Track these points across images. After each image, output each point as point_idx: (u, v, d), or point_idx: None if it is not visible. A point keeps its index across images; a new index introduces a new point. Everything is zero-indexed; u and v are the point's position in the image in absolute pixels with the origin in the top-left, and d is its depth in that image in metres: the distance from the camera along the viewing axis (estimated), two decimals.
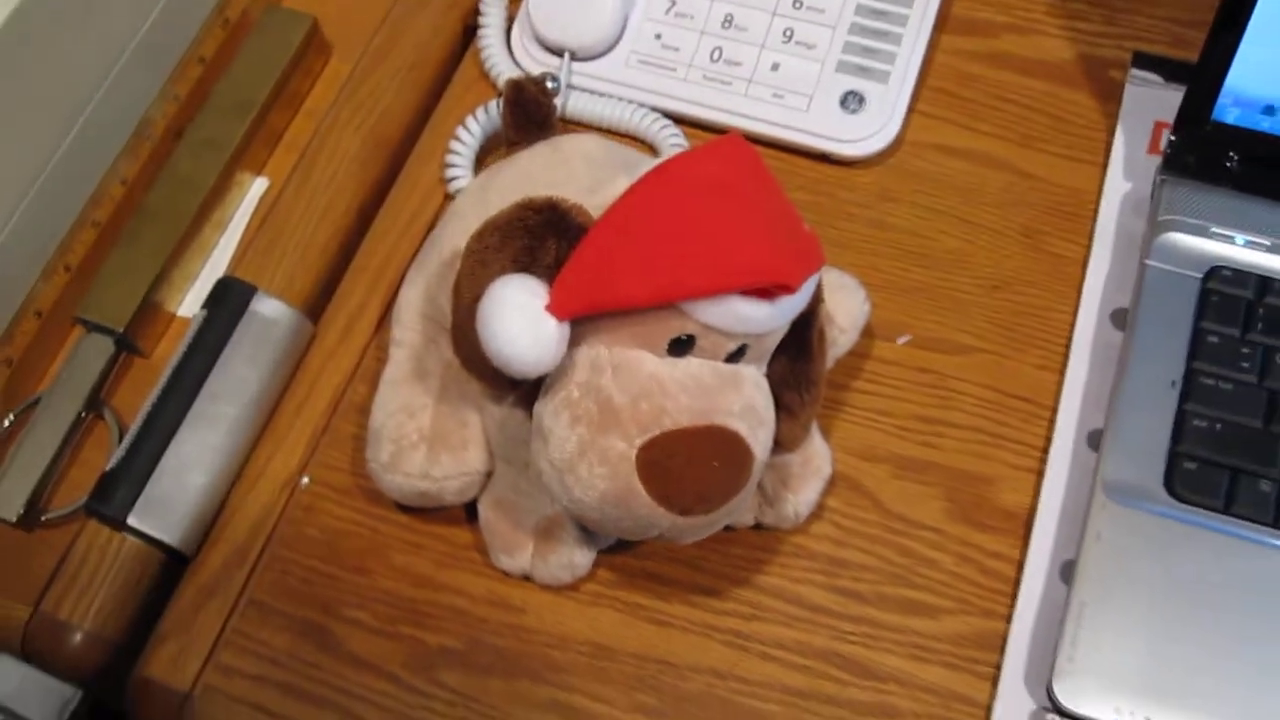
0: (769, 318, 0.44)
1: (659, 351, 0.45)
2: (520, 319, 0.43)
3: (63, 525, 0.57)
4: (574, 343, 0.45)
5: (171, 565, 0.57)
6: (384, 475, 0.52)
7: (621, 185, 0.46)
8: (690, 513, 0.44)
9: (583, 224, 0.45)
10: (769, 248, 0.43)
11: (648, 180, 0.44)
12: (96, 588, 0.55)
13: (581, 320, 0.44)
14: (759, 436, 0.45)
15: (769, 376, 0.49)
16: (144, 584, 0.56)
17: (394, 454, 0.52)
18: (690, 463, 0.44)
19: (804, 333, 0.49)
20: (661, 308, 0.44)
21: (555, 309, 0.43)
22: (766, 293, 0.43)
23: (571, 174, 0.52)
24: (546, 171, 0.53)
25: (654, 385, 0.44)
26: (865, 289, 0.56)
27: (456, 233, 0.54)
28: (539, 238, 0.45)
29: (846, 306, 0.54)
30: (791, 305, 0.45)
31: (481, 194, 0.54)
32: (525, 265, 0.45)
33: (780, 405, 0.49)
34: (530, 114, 0.58)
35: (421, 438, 0.52)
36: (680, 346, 0.45)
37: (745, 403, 0.45)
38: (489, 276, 0.45)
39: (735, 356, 0.46)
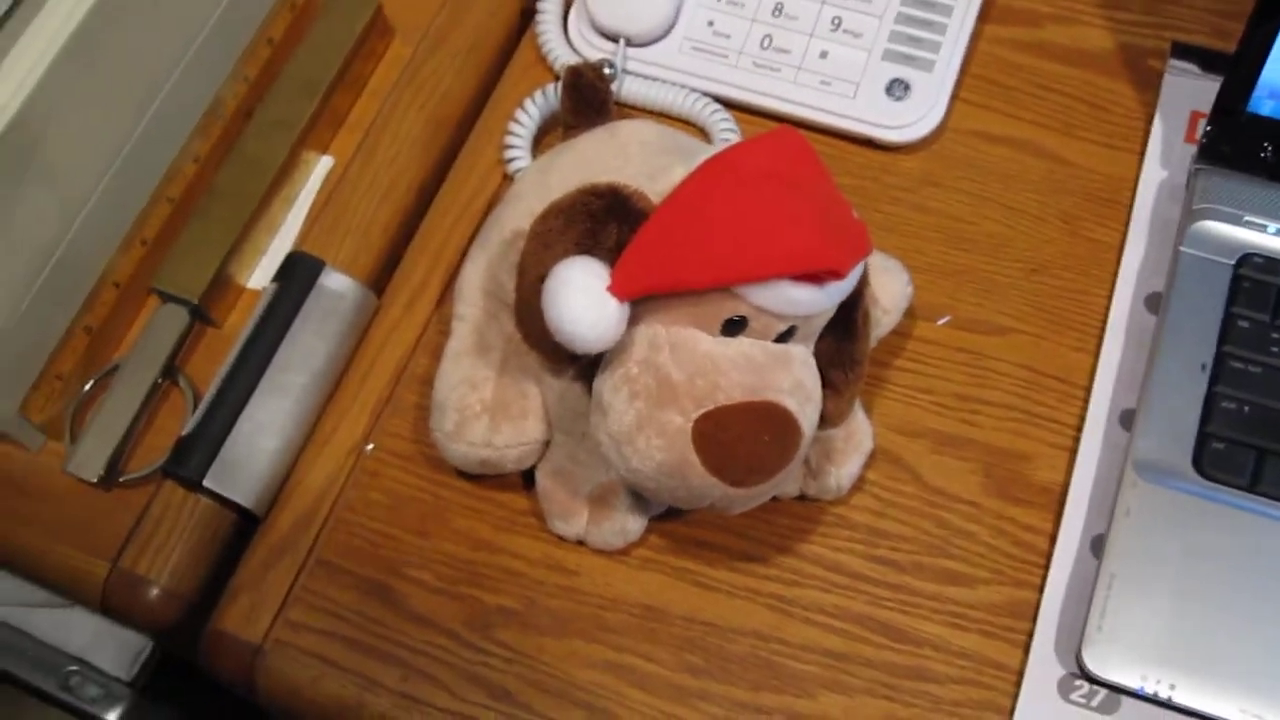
0: (817, 301, 0.47)
1: (713, 331, 0.47)
2: (584, 299, 0.45)
3: (140, 486, 0.60)
4: (633, 321, 0.47)
5: (242, 525, 0.60)
6: (448, 444, 0.55)
7: (679, 173, 0.48)
8: (741, 484, 0.47)
9: (643, 209, 0.47)
10: (819, 236, 0.45)
11: (705, 169, 0.46)
12: (172, 545, 0.59)
13: (640, 301, 0.47)
14: (807, 412, 0.48)
15: (816, 355, 0.51)
16: (216, 542, 0.59)
17: (458, 423, 0.55)
18: (742, 436, 0.46)
19: (850, 314, 0.52)
20: (716, 290, 0.46)
21: (617, 290, 0.46)
22: (816, 278, 0.46)
23: (629, 159, 0.55)
24: (605, 157, 0.55)
25: (708, 363, 0.47)
26: (908, 271, 0.58)
27: (518, 214, 0.57)
28: (601, 222, 0.47)
29: (890, 289, 0.56)
30: (839, 290, 0.47)
31: (542, 177, 0.57)
32: (588, 248, 0.47)
33: (826, 383, 0.52)
34: (588, 99, 0.60)
35: (484, 408, 0.54)
36: (733, 327, 0.47)
37: (794, 380, 0.48)
38: (553, 257, 0.48)
39: (785, 337, 0.48)
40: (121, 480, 0.60)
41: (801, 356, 0.49)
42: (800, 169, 0.47)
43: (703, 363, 0.47)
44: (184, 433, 0.59)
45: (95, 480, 0.59)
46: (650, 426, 0.47)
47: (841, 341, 0.52)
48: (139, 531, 0.59)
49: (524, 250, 0.50)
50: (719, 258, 0.45)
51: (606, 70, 0.63)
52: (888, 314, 0.57)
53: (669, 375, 0.46)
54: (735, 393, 0.46)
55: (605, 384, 0.48)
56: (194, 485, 0.58)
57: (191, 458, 0.58)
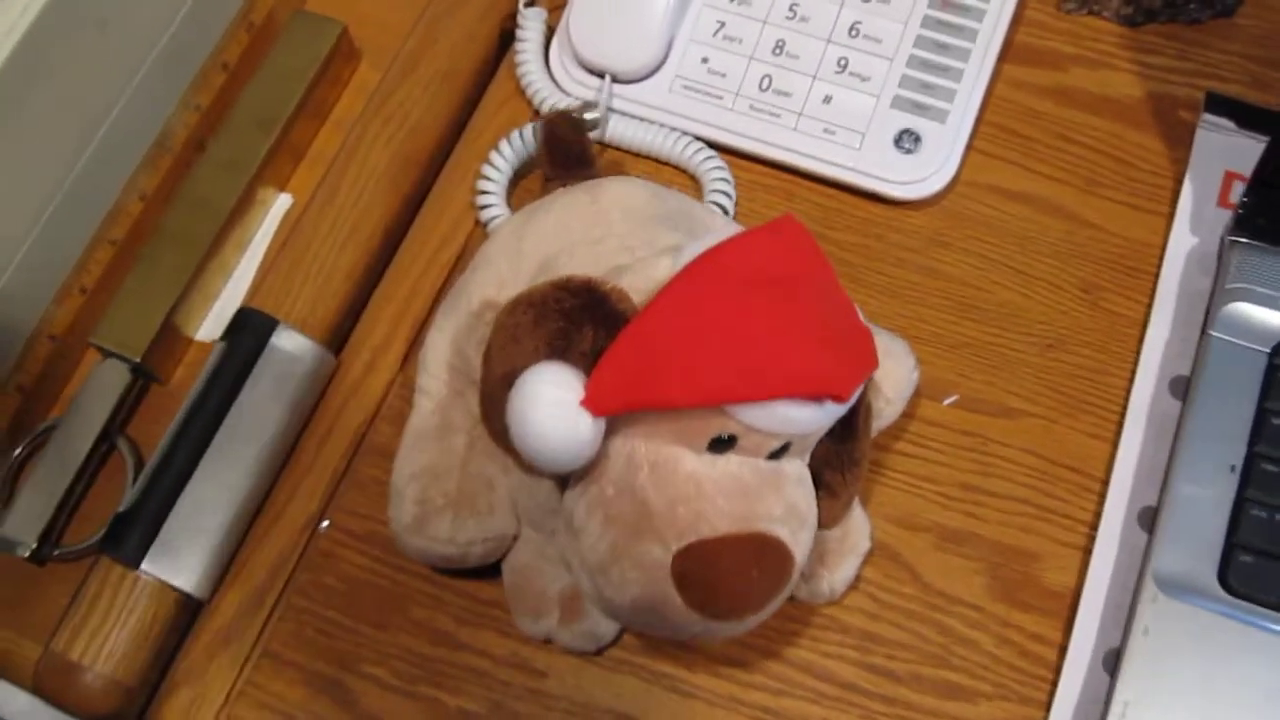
0: (815, 420, 0.42)
1: (698, 449, 0.42)
2: (553, 414, 0.40)
3: (77, 560, 0.56)
4: (609, 433, 0.42)
5: (188, 603, 0.55)
6: (406, 538, 0.50)
7: (664, 268, 0.43)
8: (726, 619, 0.43)
9: (622, 311, 0.42)
10: (821, 354, 0.40)
11: (695, 270, 0.41)
12: (109, 628, 0.54)
13: None
14: (800, 539, 0.43)
15: (811, 456, 0.46)
16: (158, 625, 0.54)
17: (418, 517, 0.50)
18: (728, 572, 0.42)
19: (849, 411, 0.47)
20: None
21: (591, 405, 0.41)
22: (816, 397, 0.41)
23: (610, 229, 0.50)
24: (584, 224, 0.50)
25: (692, 488, 0.42)
26: (914, 354, 0.53)
27: (487, 281, 0.52)
28: (575, 322, 0.42)
29: (894, 376, 0.51)
30: (840, 407, 0.42)
31: (515, 242, 0.52)
32: (560, 350, 0.42)
33: (821, 484, 0.47)
34: (565, 153, 0.55)
35: (447, 502, 0.50)
36: (721, 445, 0.42)
37: (787, 505, 0.43)
38: (520, 354, 0.43)
39: (778, 453, 0.43)
40: (56, 554, 0.56)
41: (796, 474, 0.44)
42: (801, 270, 0.42)
43: (685, 487, 0.42)
44: (121, 509, 0.54)
45: (27, 554, 0.55)
46: (626, 559, 0.42)
47: (839, 441, 0.47)
48: (74, 611, 0.54)
49: (489, 341, 0.45)
50: (708, 375, 0.40)
51: (589, 116, 0.58)
52: (890, 404, 0.52)
53: (647, 501, 0.42)
54: (721, 523, 0.41)
55: (578, 504, 0.43)
56: (132, 567, 0.54)
57: (128, 538, 0.53)
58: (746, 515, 0.42)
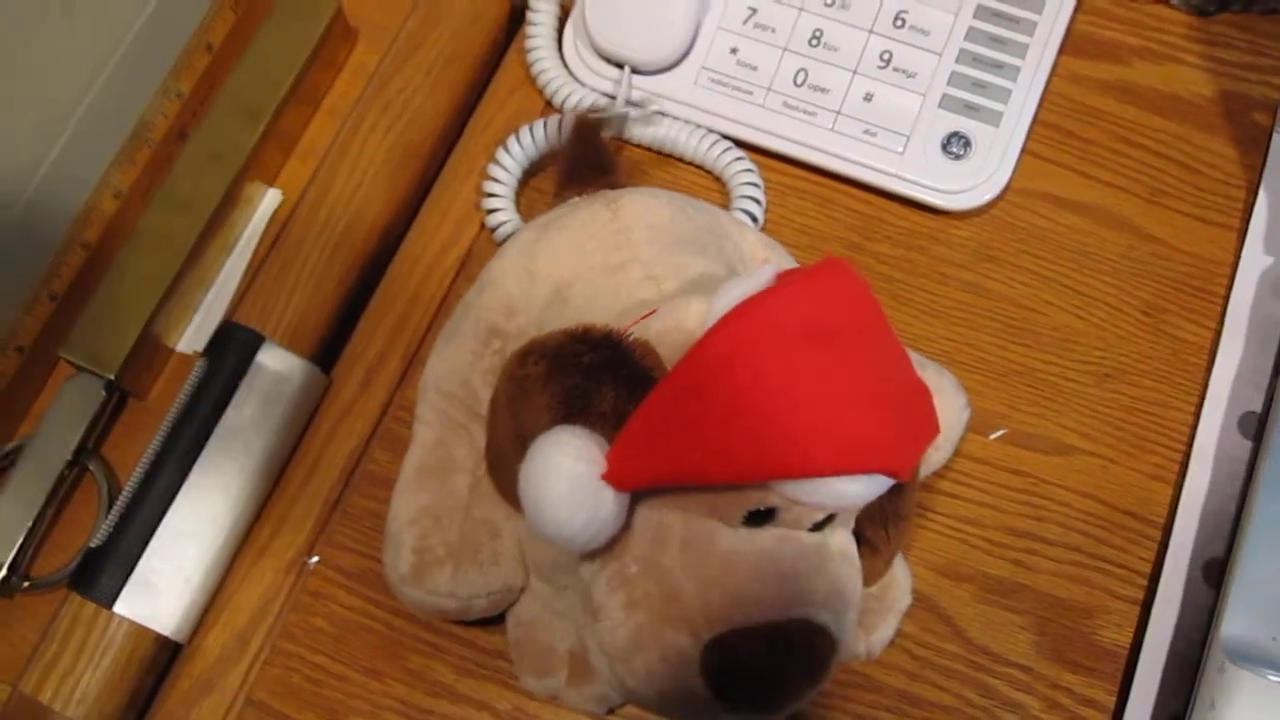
0: (866, 493, 0.37)
1: (733, 523, 0.37)
2: (570, 490, 0.36)
3: (47, 593, 0.51)
4: (634, 499, 0.38)
5: (167, 642, 0.51)
6: (402, 588, 0.46)
7: (695, 315, 0.38)
8: (759, 715, 0.38)
9: (647, 369, 0.37)
10: (877, 423, 0.35)
11: (731, 324, 0.36)
12: (82, 669, 0.50)
13: None
14: (845, 622, 0.39)
15: None
16: (135, 665, 0.50)
17: (416, 567, 0.45)
18: (764, 666, 0.37)
19: None
20: None
21: (614, 480, 0.36)
22: None
23: (633, 254, 0.44)
24: (602, 246, 0.45)
25: (725, 570, 0.37)
26: (964, 392, 0.48)
27: (494, 305, 0.47)
28: (594, 379, 0.38)
29: (944, 416, 0.47)
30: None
31: (527, 262, 0.47)
32: (576, 410, 0.38)
33: (862, 540, 0.42)
34: (592, 158, 0.50)
35: (449, 552, 0.45)
36: (759, 518, 0.38)
37: (831, 587, 0.38)
38: (531, 410, 0.38)
39: (821, 524, 0.39)
40: (26, 586, 0.51)
41: (840, 549, 0.39)
42: (852, 320, 0.37)
43: (718, 570, 0.37)
44: (92, 544, 0.50)
45: None
46: (652, 648, 0.37)
47: (885, 498, 0.42)
48: (43, 650, 0.50)
49: (496, 390, 0.41)
50: (750, 448, 0.35)
51: (621, 112, 0.53)
52: (939, 449, 0.47)
53: (677, 584, 0.37)
54: (757, 611, 0.37)
55: (597, 579, 0.39)
56: (104, 607, 0.49)
57: (100, 576, 0.49)
58: (786, 601, 0.37)
